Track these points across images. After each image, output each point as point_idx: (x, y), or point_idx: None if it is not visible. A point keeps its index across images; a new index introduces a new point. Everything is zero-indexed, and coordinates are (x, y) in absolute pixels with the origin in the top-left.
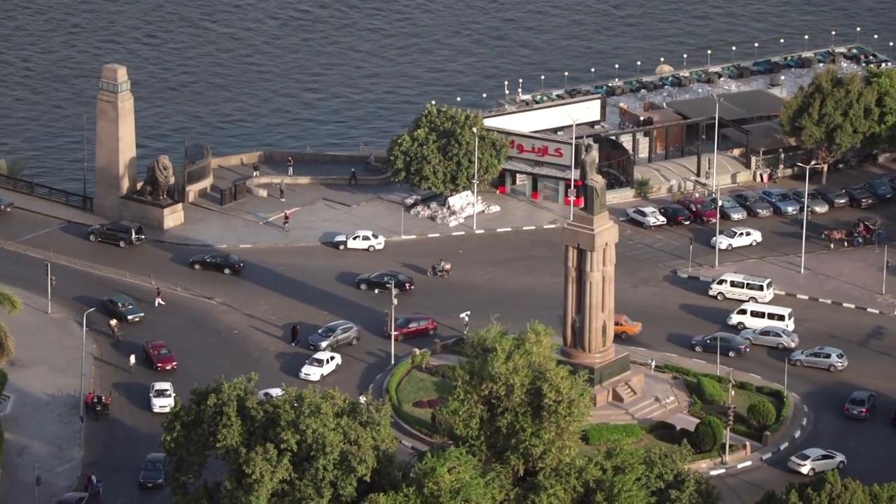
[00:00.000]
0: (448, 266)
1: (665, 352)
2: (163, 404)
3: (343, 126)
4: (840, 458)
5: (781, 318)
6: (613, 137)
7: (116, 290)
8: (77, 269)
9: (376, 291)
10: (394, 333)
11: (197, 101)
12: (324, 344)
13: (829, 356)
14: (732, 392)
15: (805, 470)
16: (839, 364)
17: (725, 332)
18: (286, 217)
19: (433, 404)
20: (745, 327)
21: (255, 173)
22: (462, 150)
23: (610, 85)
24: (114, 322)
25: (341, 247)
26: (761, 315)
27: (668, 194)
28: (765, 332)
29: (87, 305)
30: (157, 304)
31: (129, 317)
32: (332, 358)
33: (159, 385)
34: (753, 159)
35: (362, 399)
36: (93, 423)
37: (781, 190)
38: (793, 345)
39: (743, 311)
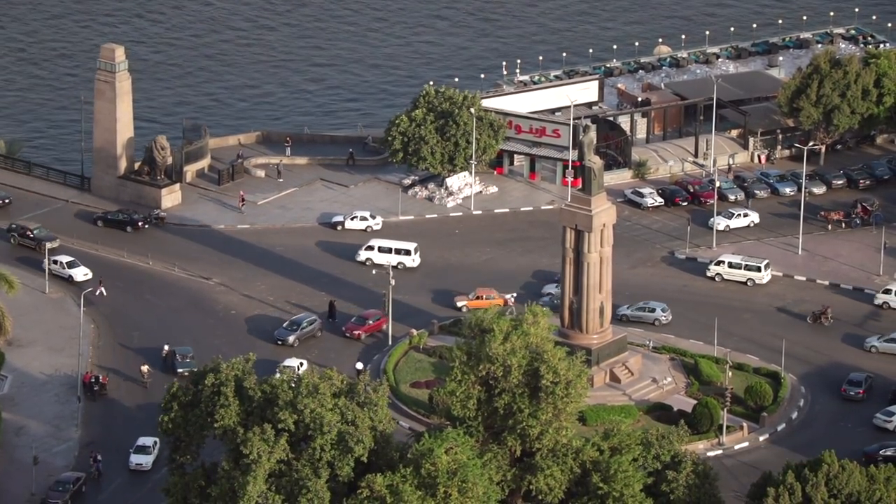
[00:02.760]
0: (164, 214)
1: (662, 333)
2: (139, 462)
3: (341, 106)
4: None
5: (759, 269)
6: (611, 118)
7: (183, 343)
8: (76, 249)
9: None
10: (390, 320)
11: (195, 82)
12: (291, 338)
13: (654, 310)
14: (730, 373)
15: (891, 427)
16: (663, 318)
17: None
18: (242, 199)
19: (431, 385)
20: (723, 279)
21: (239, 160)
22: (460, 130)
23: (608, 66)
24: (145, 368)
25: (339, 227)
26: (738, 266)
27: (727, 167)
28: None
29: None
30: (98, 294)
31: (180, 370)
32: (302, 364)
33: (143, 440)
34: (751, 140)
35: (359, 365)
36: (90, 402)
37: (779, 171)
38: (554, 292)
39: (720, 262)
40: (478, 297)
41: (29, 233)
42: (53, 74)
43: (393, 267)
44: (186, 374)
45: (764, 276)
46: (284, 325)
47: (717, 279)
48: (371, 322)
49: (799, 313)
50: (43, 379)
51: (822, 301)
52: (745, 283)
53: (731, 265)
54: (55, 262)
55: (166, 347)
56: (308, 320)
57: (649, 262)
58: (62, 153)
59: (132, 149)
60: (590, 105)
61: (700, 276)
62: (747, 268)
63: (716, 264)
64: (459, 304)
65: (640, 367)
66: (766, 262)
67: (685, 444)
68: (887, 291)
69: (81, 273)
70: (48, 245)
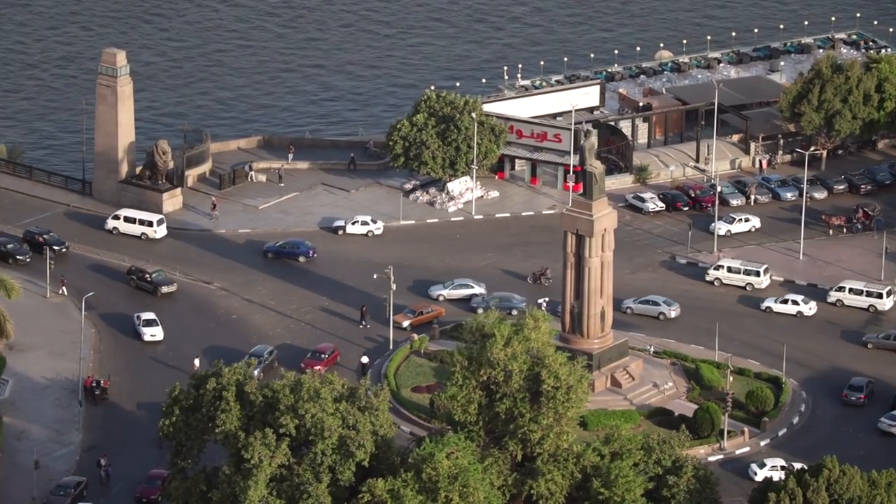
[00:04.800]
0: None
1: (663, 338)
2: None
3: (342, 111)
4: None
5: (758, 274)
6: (612, 123)
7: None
8: (75, 254)
9: None
10: (391, 323)
11: (196, 86)
12: (256, 372)
13: (510, 300)
14: (731, 378)
15: None
16: (523, 306)
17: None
18: (214, 205)
19: (432, 390)
20: (721, 283)
21: (248, 167)
22: (461, 135)
23: (609, 70)
24: (196, 361)
25: (340, 232)
26: (737, 271)
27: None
28: (458, 287)
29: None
30: (60, 292)
31: None
32: (273, 351)
33: None
34: (753, 145)
35: (364, 359)
36: (91, 407)
37: (780, 176)
38: (444, 293)
39: (719, 267)
40: (420, 314)
41: (147, 276)
42: (55, 79)
43: (137, 237)
44: None
45: (763, 281)
46: (245, 358)
47: (716, 283)
48: (326, 356)
49: (797, 318)
50: (44, 383)
51: (822, 304)
52: (744, 288)
53: (730, 270)
54: (137, 317)
55: (197, 362)
56: (267, 351)
57: (650, 266)
58: (63, 158)
59: (133, 153)
60: (591, 110)
61: (701, 280)
62: (746, 272)
63: (715, 269)
64: (405, 323)
65: (641, 371)
66: (765, 266)
67: (686, 448)
68: (840, 289)
69: (150, 333)
70: (164, 289)
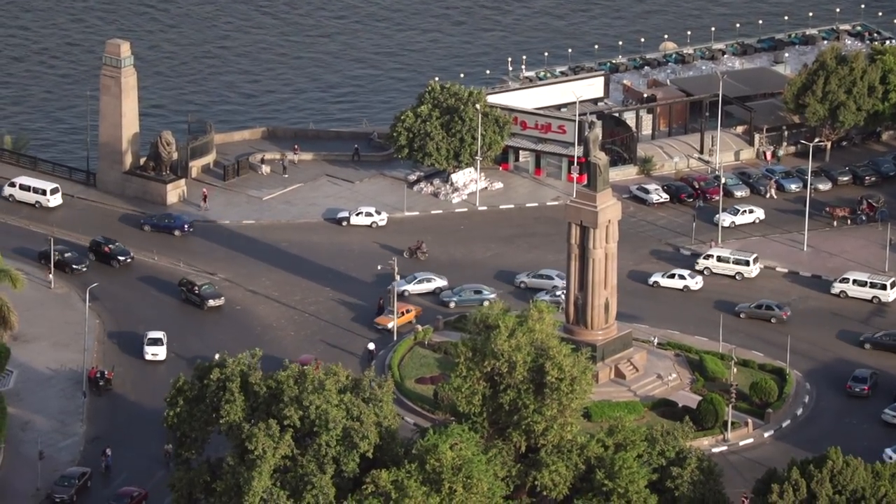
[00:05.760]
0: None
1: (667, 329)
2: None
3: (346, 102)
4: None
5: (747, 263)
6: (617, 114)
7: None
8: (80, 244)
9: None
10: (395, 315)
11: (201, 77)
12: None
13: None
14: (735, 369)
15: None
16: (493, 297)
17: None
18: (204, 197)
19: (436, 381)
20: (711, 272)
21: (260, 166)
22: (465, 126)
23: (614, 62)
24: (169, 447)
25: (344, 223)
26: (727, 260)
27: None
28: (421, 281)
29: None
30: (51, 287)
31: None
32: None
33: None
34: (757, 137)
35: (371, 346)
36: (95, 398)
37: (785, 167)
38: (408, 288)
39: (709, 256)
40: (402, 314)
41: (195, 289)
42: (59, 69)
43: (31, 205)
44: None
45: (753, 270)
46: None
47: (705, 273)
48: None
49: (804, 309)
50: (48, 374)
51: (827, 296)
52: (733, 277)
53: (719, 259)
54: (145, 334)
55: (216, 357)
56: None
57: (654, 258)
58: (68, 148)
59: (138, 144)
60: (595, 101)
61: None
62: (736, 262)
63: (705, 258)
64: (390, 325)
65: (644, 363)
66: (754, 255)
67: (690, 440)
68: (844, 280)
69: (151, 352)
70: (211, 303)
